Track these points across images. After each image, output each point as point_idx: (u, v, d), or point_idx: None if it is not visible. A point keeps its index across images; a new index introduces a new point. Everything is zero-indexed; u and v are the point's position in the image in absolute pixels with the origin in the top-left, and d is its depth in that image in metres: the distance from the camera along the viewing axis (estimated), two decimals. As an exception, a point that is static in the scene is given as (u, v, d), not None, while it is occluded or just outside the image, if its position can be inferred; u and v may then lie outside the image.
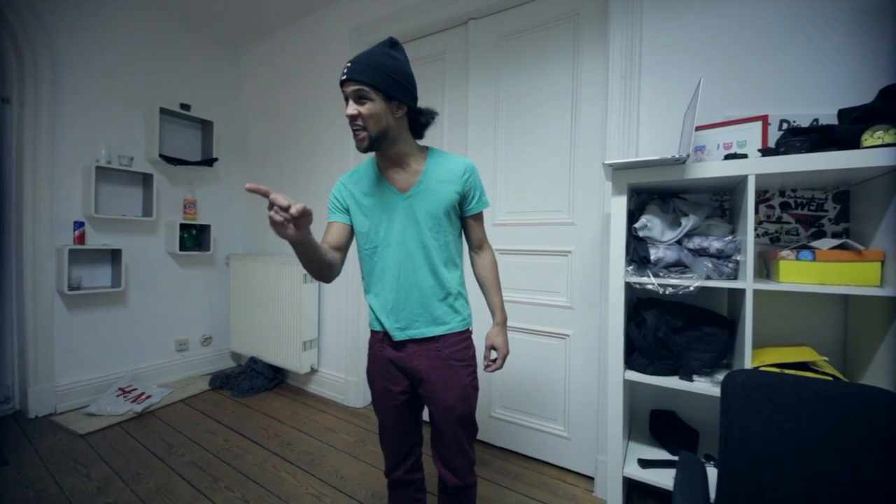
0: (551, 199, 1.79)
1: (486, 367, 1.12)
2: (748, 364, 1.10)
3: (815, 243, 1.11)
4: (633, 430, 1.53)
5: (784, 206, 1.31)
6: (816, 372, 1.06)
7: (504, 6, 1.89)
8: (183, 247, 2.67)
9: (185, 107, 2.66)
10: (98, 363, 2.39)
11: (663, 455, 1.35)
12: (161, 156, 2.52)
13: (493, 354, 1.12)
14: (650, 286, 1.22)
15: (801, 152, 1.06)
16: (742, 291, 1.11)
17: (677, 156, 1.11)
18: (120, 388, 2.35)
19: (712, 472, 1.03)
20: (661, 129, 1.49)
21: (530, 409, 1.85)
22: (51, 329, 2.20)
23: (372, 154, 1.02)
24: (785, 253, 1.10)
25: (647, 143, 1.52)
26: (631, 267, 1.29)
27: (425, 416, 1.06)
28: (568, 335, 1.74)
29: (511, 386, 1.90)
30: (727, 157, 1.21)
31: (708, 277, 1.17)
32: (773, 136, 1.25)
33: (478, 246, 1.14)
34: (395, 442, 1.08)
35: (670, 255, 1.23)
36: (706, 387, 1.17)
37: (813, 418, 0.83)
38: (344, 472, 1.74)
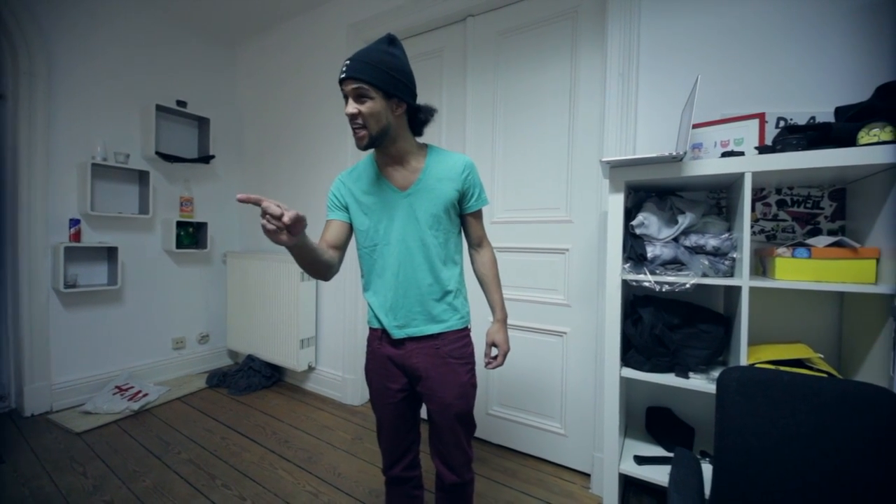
0: (549, 197, 1.79)
1: (487, 364, 1.12)
2: (744, 361, 1.10)
3: (811, 241, 1.12)
4: (629, 427, 1.54)
5: (780, 204, 1.31)
6: (812, 369, 1.07)
7: (502, 3, 1.88)
8: (180, 244, 2.66)
9: (181, 104, 2.64)
10: (94, 361, 2.38)
11: (659, 452, 1.36)
12: (157, 153, 2.50)
13: (494, 351, 1.13)
14: (647, 283, 1.22)
15: (797, 150, 1.06)
16: (738, 289, 1.12)
17: (674, 153, 1.12)
18: (117, 386, 2.35)
19: (707, 469, 1.04)
20: (659, 127, 1.49)
21: (527, 406, 1.86)
22: (47, 327, 2.18)
23: (371, 151, 1.02)
24: (781, 250, 1.11)
25: (644, 141, 1.52)
26: (628, 264, 1.30)
27: (423, 413, 1.06)
28: (565, 332, 1.75)
29: (508, 383, 1.90)
30: (724, 154, 1.21)
31: (704, 275, 1.18)
32: (770, 133, 1.26)
33: (477, 243, 1.14)
34: (393, 439, 1.08)
35: (667, 252, 1.23)
36: (702, 384, 1.18)
37: (808, 415, 0.83)
38: (341, 469, 1.74)
